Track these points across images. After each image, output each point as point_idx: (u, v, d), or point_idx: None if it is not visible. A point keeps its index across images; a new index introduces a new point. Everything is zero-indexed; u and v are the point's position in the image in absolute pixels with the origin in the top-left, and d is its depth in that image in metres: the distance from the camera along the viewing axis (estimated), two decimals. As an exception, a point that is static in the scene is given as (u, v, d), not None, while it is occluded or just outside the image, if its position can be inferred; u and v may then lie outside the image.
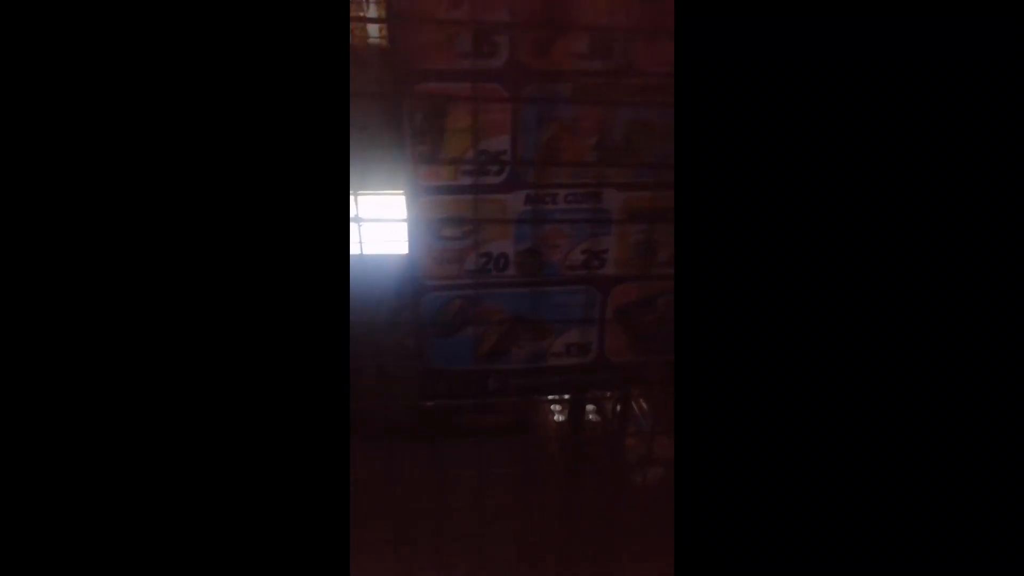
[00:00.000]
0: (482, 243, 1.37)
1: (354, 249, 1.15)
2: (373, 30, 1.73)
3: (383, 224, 1.75)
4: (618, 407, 1.78)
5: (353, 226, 1.17)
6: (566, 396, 1.64)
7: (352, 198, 1.12)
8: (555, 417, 1.75)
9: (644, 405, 1.91)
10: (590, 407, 1.81)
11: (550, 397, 1.63)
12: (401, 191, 1.31)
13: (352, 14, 1.61)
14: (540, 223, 1.37)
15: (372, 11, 1.75)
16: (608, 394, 1.74)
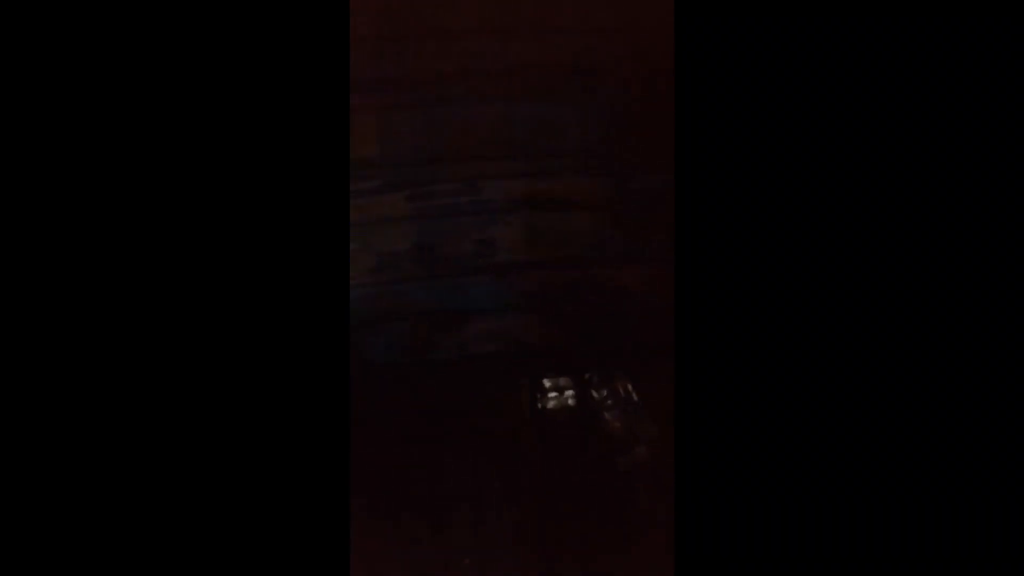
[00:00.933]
0: (374, 244, 1.47)
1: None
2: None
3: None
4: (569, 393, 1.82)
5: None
6: (491, 385, 1.70)
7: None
8: (486, 406, 1.81)
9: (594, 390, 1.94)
10: (534, 394, 1.86)
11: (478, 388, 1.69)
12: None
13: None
14: (426, 219, 1.46)
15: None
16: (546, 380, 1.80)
